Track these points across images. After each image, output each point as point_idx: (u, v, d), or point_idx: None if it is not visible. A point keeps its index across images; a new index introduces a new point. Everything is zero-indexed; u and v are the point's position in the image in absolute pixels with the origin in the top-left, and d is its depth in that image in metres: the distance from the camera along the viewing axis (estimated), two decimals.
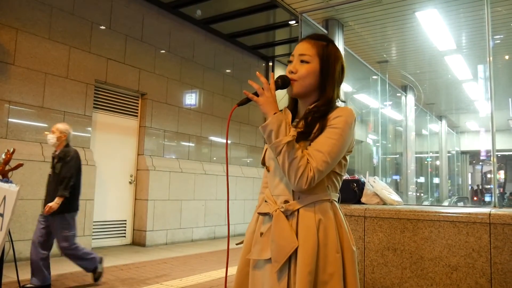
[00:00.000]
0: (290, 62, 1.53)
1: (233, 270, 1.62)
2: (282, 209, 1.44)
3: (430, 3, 5.42)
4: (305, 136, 1.43)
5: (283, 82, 1.47)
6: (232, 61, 9.11)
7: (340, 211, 1.51)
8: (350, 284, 1.42)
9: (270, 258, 1.43)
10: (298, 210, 1.43)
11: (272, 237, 1.43)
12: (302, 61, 1.48)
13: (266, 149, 1.57)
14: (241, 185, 8.88)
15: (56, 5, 5.85)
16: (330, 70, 1.49)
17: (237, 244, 1.68)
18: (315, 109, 1.47)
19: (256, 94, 1.42)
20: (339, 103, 1.55)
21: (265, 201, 1.53)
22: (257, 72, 1.48)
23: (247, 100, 1.44)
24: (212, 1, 7.01)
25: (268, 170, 1.55)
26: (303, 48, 1.50)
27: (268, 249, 1.44)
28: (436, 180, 14.29)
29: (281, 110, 1.48)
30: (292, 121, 1.53)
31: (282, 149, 1.35)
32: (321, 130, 1.42)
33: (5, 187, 1.29)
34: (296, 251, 1.39)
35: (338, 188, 1.53)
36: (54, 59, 5.80)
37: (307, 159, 1.36)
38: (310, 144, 1.41)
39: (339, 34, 5.77)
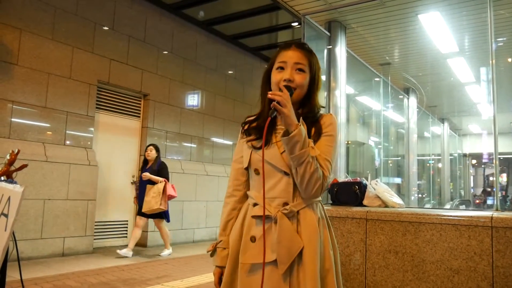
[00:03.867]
0: (281, 68, 1.53)
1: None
2: (286, 211, 1.46)
3: (433, 5, 5.41)
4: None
5: (290, 93, 1.46)
6: (235, 63, 9.12)
7: (325, 210, 1.61)
8: (338, 281, 1.52)
9: (271, 261, 1.44)
10: (298, 211, 1.48)
11: (278, 239, 1.44)
12: (298, 70, 1.51)
13: (251, 152, 1.56)
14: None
15: (60, 5, 5.87)
16: (316, 79, 1.56)
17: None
18: (307, 115, 1.53)
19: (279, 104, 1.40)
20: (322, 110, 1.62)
21: (255, 204, 1.52)
22: (269, 93, 1.42)
23: (275, 111, 1.40)
24: (214, 3, 7.02)
25: (258, 173, 1.53)
26: (297, 57, 1.52)
27: (268, 251, 1.45)
28: (438, 181, 14.28)
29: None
30: (275, 126, 1.55)
31: (306, 160, 1.38)
32: (318, 135, 1.49)
33: (9, 187, 1.30)
34: (300, 251, 1.44)
35: None
36: (57, 60, 5.82)
37: (322, 166, 1.44)
38: None
39: (341, 36, 5.76)
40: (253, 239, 1.48)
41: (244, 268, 1.48)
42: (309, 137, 1.47)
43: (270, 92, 1.42)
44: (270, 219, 1.47)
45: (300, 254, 1.43)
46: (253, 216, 1.52)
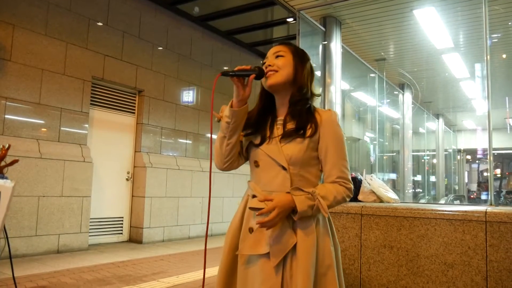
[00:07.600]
0: (264, 64, 1.61)
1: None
2: None
3: (427, 1, 5.41)
4: (301, 133, 1.49)
5: (259, 71, 1.53)
6: (230, 58, 9.09)
7: None
8: (339, 276, 1.53)
9: (265, 253, 1.45)
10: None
11: (271, 234, 1.45)
12: (277, 56, 1.57)
13: (248, 145, 1.63)
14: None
15: (53, 1, 5.82)
16: (302, 63, 1.58)
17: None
18: (295, 99, 1.55)
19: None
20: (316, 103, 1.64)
21: (254, 196, 1.54)
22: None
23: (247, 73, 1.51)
24: None
25: (257, 166, 1.58)
26: (276, 49, 1.60)
27: (263, 244, 1.46)
28: (432, 178, 14.34)
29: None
30: (275, 118, 1.60)
31: (321, 208, 1.44)
32: (315, 128, 1.50)
33: (0, 183, 1.29)
34: (294, 246, 1.44)
35: None
36: (51, 56, 5.77)
37: (342, 185, 1.50)
38: (306, 140, 1.49)
39: (336, 32, 5.76)
40: (251, 230, 1.51)
41: (241, 260, 1.52)
42: (305, 133, 1.49)
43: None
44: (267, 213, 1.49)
45: (295, 248, 1.44)
46: (250, 208, 1.54)
